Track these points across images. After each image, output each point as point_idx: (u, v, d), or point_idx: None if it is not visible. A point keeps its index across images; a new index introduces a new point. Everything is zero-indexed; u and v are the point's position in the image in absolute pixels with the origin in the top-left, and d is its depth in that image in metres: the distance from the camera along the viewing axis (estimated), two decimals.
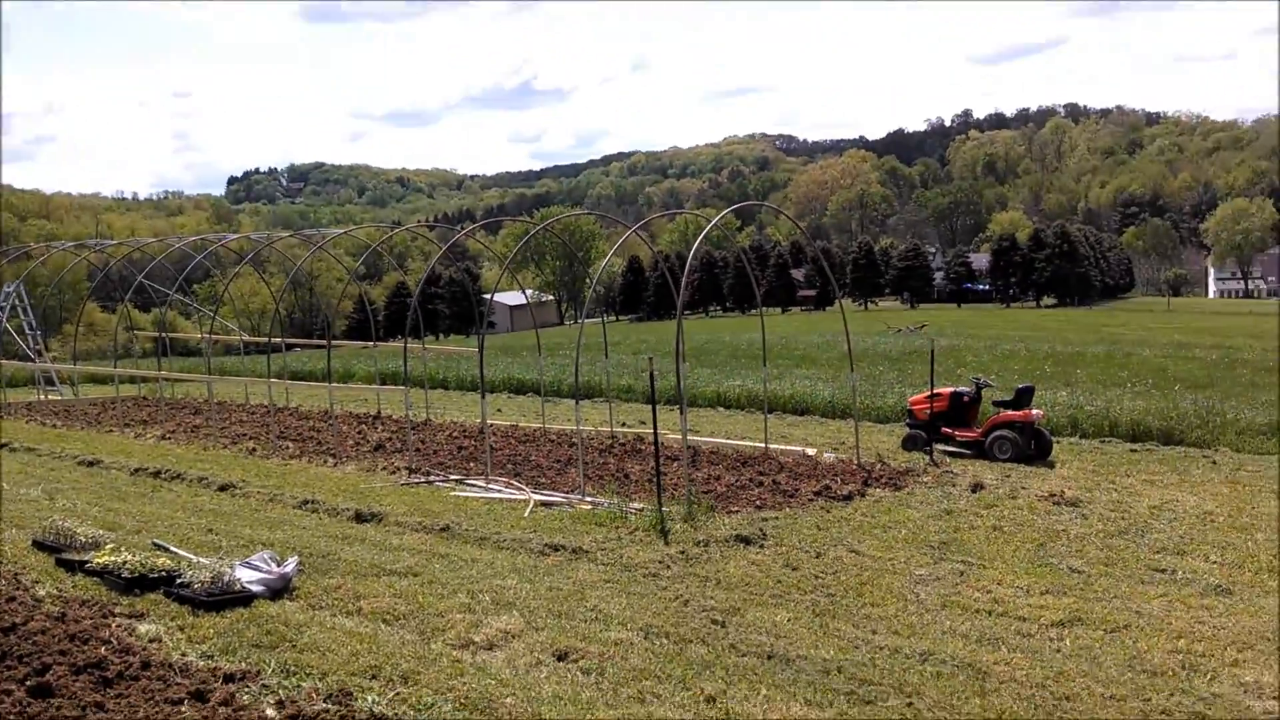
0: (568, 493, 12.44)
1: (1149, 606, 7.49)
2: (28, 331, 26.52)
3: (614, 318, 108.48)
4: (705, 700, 5.55)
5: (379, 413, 21.57)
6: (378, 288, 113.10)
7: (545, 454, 15.65)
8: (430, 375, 29.56)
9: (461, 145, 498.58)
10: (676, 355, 12.58)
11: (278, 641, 6.39)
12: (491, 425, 19.17)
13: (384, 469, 14.34)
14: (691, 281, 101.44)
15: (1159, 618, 7.21)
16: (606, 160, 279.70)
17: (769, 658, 6.26)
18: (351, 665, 5.95)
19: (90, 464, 14.75)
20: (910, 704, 5.57)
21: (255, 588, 7.28)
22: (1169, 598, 7.71)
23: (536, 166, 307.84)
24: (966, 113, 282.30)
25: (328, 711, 5.29)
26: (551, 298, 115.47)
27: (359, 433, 18.68)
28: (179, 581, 7.34)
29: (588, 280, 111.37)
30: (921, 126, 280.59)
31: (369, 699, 5.46)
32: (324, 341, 30.64)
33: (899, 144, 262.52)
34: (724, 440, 16.54)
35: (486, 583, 8.04)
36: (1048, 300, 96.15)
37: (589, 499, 11.87)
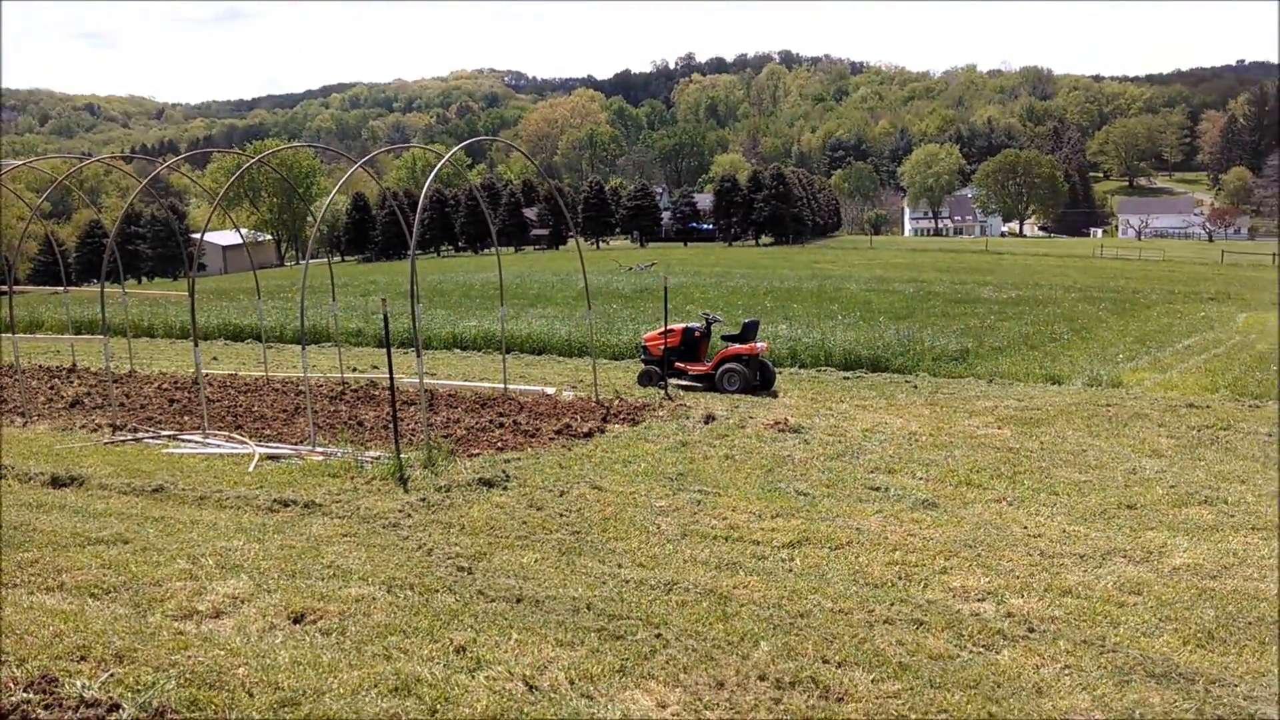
0: (296, 444, 11.79)
1: (867, 523, 8.05)
2: None
3: (339, 258, 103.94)
4: (455, 651, 5.40)
5: (74, 365, 19.55)
6: (67, 227, 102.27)
7: (270, 404, 14.76)
8: (134, 323, 27.13)
9: (160, 70, 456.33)
10: (412, 296, 12.14)
11: None
12: (208, 375, 17.85)
13: (83, 427, 12.99)
14: (423, 220, 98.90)
15: (876, 533, 7.76)
16: (326, 91, 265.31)
17: (518, 601, 6.18)
18: (55, 648, 5.30)
19: None
20: (659, 635, 5.68)
21: None
22: (884, 514, 8.34)
23: (248, 96, 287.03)
24: (689, 56, 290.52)
25: (29, 702, 4.70)
26: (269, 237, 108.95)
27: (51, 388, 16.85)
28: None
29: (310, 219, 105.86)
30: (647, 68, 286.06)
31: (78, 684, 4.89)
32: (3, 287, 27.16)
33: (626, 85, 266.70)
34: (462, 383, 16.29)
35: (209, 545, 7.45)
36: (766, 239, 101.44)
37: (320, 450, 11.30)
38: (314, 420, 13.19)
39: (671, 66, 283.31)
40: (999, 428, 12.23)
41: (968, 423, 12.52)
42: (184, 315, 26.86)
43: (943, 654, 5.47)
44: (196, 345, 12.87)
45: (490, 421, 13.05)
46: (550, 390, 15.45)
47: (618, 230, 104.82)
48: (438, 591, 6.38)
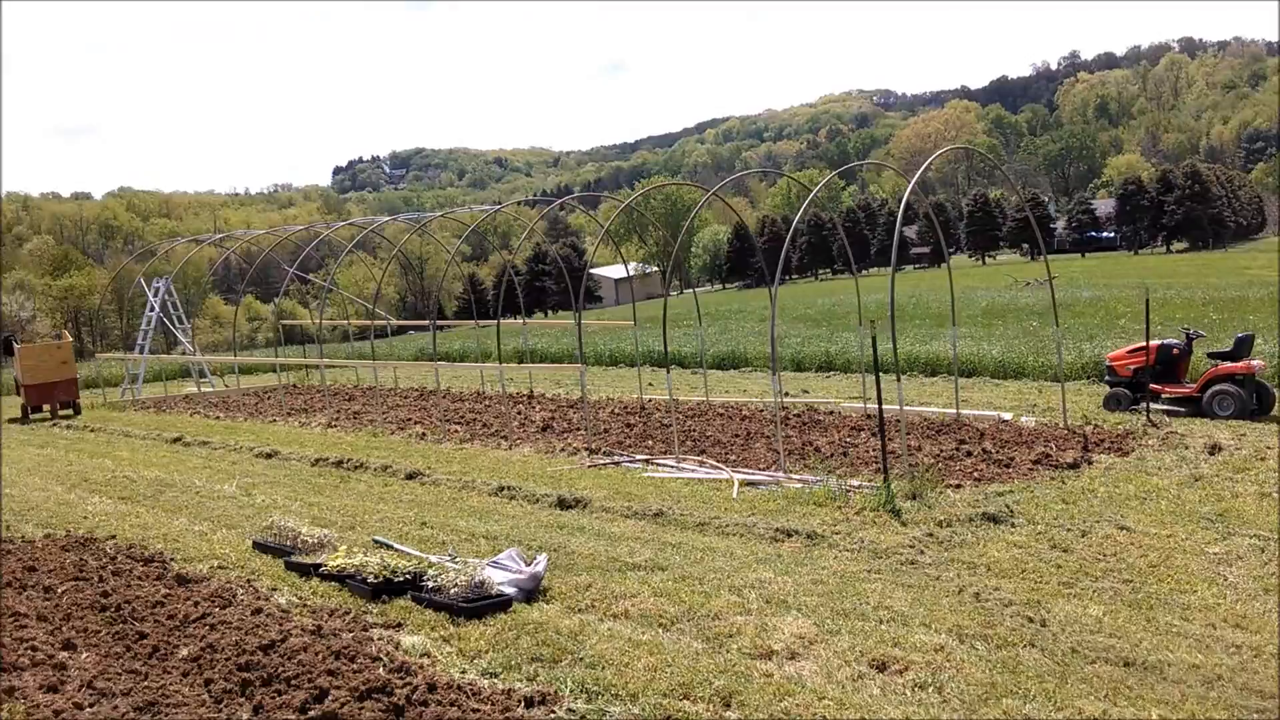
0: (767, 470, 11.73)
1: None
2: (177, 326, 26.92)
3: (720, 286, 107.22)
4: None
5: (531, 392, 21.21)
6: (484, 267, 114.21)
7: (719, 429, 14.97)
8: (567, 350, 29.22)
9: (556, 123, 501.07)
10: (891, 319, 11.69)
11: (559, 654, 5.80)
12: (651, 400, 18.61)
13: (562, 450, 13.83)
14: (800, 245, 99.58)
15: None
16: (701, 128, 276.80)
17: (1127, 665, 5.41)
18: (657, 684, 5.31)
19: (269, 455, 14.61)
20: None
21: (508, 590, 6.73)
22: None
23: (631, 139, 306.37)
24: (1073, 54, 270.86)
25: None
26: (655, 269, 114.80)
27: (519, 413, 18.29)
28: (428, 585, 6.83)
29: (690, 250, 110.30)
30: (1026, 72, 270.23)
31: None
32: (427, 323, 30.44)
33: (1003, 91, 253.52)
34: (908, 407, 15.60)
35: (740, 576, 7.37)
36: (1178, 245, 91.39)
37: (796, 478, 11.13)
38: (773, 446, 13.18)
39: (1053, 67, 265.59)
40: None
41: None
42: (613, 343, 28.43)
43: None
44: (669, 371, 13.26)
45: (955, 449, 12.29)
46: (1006, 415, 14.40)
47: (1004, 244, 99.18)
48: (1017, 646, 5.76)
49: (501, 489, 11.30)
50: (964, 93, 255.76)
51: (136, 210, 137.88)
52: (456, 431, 16.05)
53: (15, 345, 22.53)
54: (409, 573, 7.08)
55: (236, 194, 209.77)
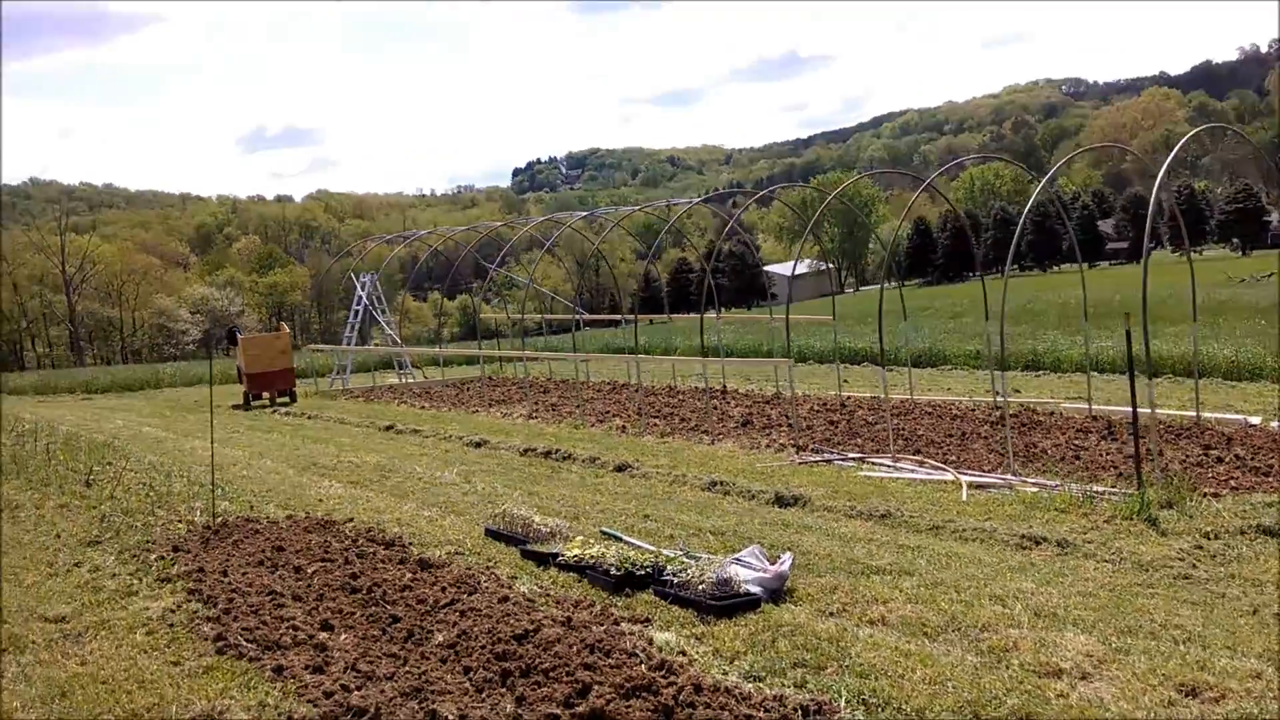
0: (994, 473, 11.06)
1: None
2: (382, 319, 28.06)
3: (899, 283, 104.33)
4: None
5: (724, 387, 20.97)
6: (659, 265, 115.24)
7: (930, 428, 14.29)
8: (752, 347, 28.88)
9: (727, 120, 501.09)
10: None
11: (823, 660, 5.47)
12: (850, 397, 18.05)
13: (768, 447, 13.50)
14: (986, 240, 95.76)
15: None
16: (877, 122, 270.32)
17: None
18: (941, 699, 4.90)
19: (478, 445, 14.89)
20: None
21: (754, 589, 6.46)
22: None
23: (804, 135, 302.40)
24: None
25: None
26: (830, 265, 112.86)
27: (715, 408, 18.07)
28: (673, 580, 6.63)
29: (869, 246, 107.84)
30: (1232, 56, 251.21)
31: None
32: (616, 316, 30.83)
33: (1207, 77, 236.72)
34: (1140, 409, 14.48)
35: (997, 585, 6.85)
36: None
37: (1030, 481, 10.43)
38: (993, 448, 12.48)
39: (1263, 50, 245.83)
40: None
41: None
42: (798, 339, 27.89)
43: None
44: (884, 368, 12.75)
45: (1203, 455, 11.31)
46: (1254, 420, 13.21)
47: (1213, 238, 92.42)
48: None
49: (714, 484, 11.08)
50: (1163, 79, 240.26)
51: (333, 211, 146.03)
52: (656, 425, 15.96)
53: (239, 336, 23.95)
54: (649, 566, 6.91)
55: (423, 195, 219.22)
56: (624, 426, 16.05)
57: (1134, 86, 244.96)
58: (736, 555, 6.91)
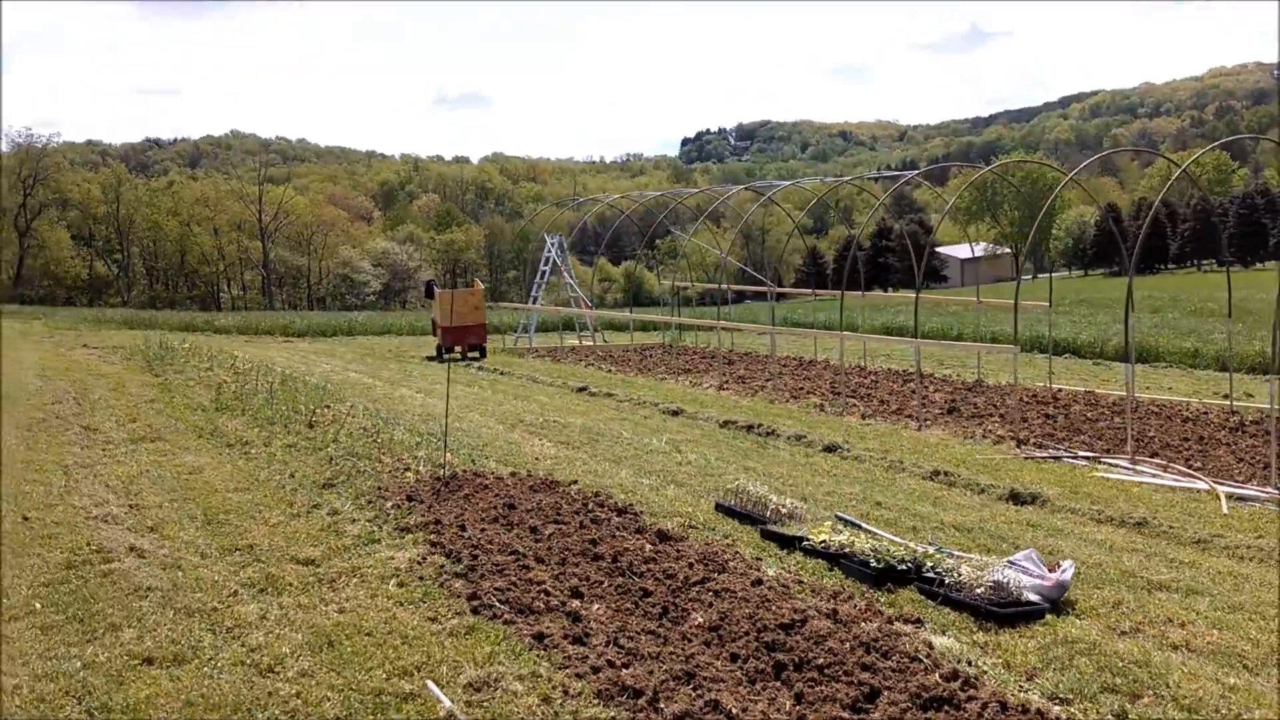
0: (1250, 484, 10.06)
1: None
2: (571, 280, 28.25)
3: (1083, 272, 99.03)
4: None
5: (921, 370, 20.11)
6: (824, 241, 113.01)
7: (1160, 429, 13.21)
8: (939, 329, 27.74)
9: (904, 95, 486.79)
10: None
11: (1136, 688, 4.90)
12: (1062, 390, 17.01)
13: (984, 437, 12.76)
14: (1183, 231, 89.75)
15: None
16: (1064, 102, 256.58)
17: None
18: None
19: (675, 413, 14.67)
20: None
21: (1032, 596, 5.94)
22: None
23: (984, 113, 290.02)
24: None
25: None
26: (1008, 250, 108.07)
27: (911, 391, 17.33)
28: (942, 579, 6.17)
29: (1051, 233, 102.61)
30: None
31: None
32: (765, 288, 30.13)
33: None
34: None
35: None
36: None
37: None
38: (1238, 456, 11.43)
39: None
40: None
41: None
42: (1006, 325, 26.59)
43: None
44: (1131, 363, 11.81)
45: None
46: None
47: None
48: None
49: (936, 473, 10.48)
50: None
51: (508, 174, 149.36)
52: (855, 406, 15.38)
53: (436, 290, 24.51)
54: (909, 561, 6.46)
55: (593, 162, 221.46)
56: (821, 405, 15.53)
57: None
58: (1011, 559, 6.37)
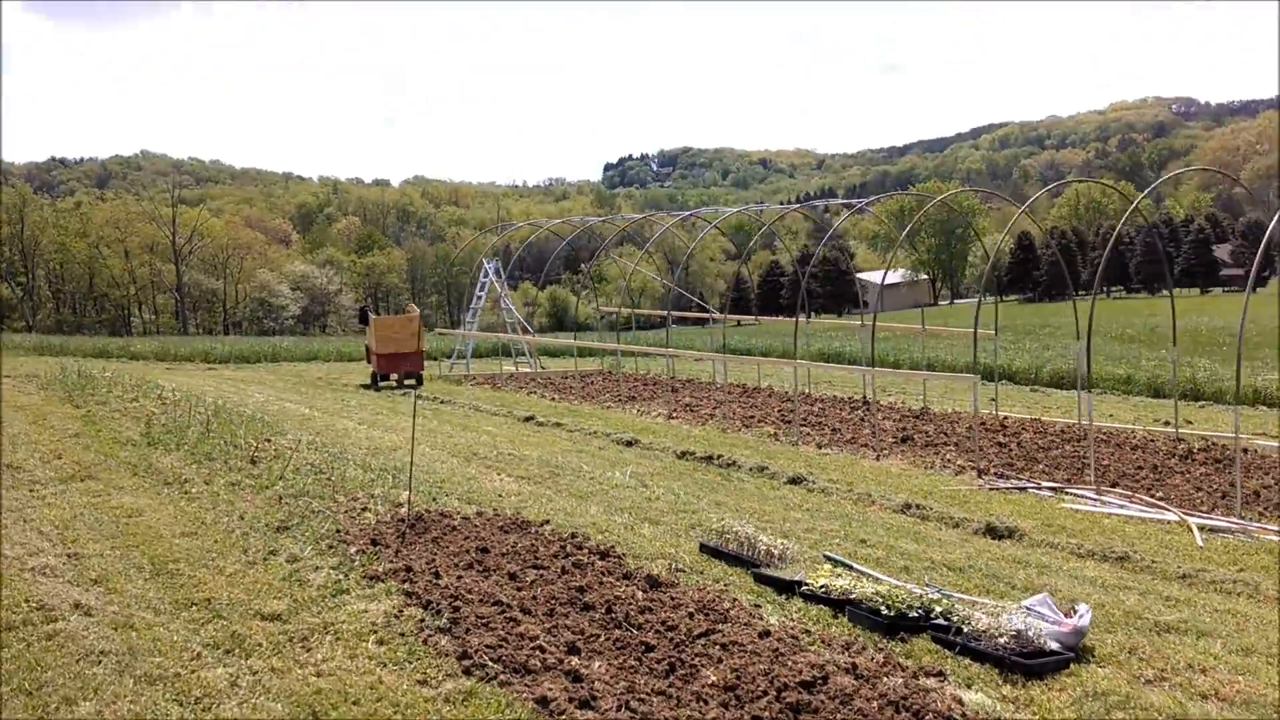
0: (1210, 514, 10.10)
1: None
2: (506, 305, 27.74)
3: (996, 298, 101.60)
4: None
5: (865, 397, 20.12)
6: (749, 266, 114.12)
7: (1111, 457, 13.29)
8: (855, 355, 27.87)
9: (822, 124, 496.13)
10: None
11: None
12: (1008, 417, 17.11)
13: (944, 467, 12.68)
14: (1093, 259, 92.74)
15: None
16: (976, 133, 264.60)
17: None
18: None
19: (629, 444, 14.31)
20: None
21: (1052, 644, 5.72)
22: None
23: (899, 143, 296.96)
24: None
25: None
26: (925, 277, 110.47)
27: (861, 418, 17.27)
28: (959, 628, 5.90)
29: (969, 259, 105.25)
30: None
31: None
32: (705, 314, 30.25)
33: None
34: None
35: None
36: None
37: (1270, 528, 9.46)
38: (1195, 485, 11.53)
39: None
40: None
41: None
42: (929, 352, 26.85)
43: None
44: (1088, 390, 11.84)
45: None
46: None
47: None
48: None
49: (907, 506, 10.32)
50: None
51: (430, 197, 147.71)
52: (809, 435, 15.23)
53: (371, 316, 23.81)
54: (918, 607, 6.19)
55: (516, 186, 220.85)
56: (775, 434, 15.34)
57: (1249, 108, 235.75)
58: (1025, 604, 6.15)
